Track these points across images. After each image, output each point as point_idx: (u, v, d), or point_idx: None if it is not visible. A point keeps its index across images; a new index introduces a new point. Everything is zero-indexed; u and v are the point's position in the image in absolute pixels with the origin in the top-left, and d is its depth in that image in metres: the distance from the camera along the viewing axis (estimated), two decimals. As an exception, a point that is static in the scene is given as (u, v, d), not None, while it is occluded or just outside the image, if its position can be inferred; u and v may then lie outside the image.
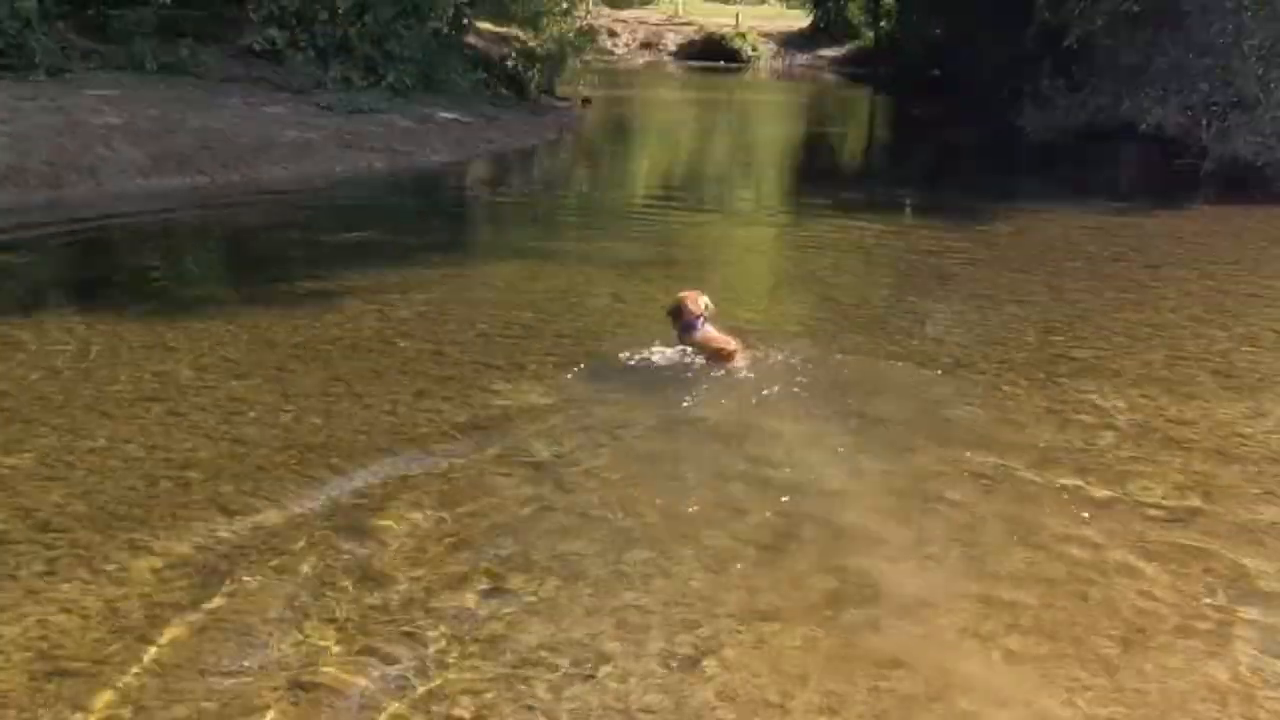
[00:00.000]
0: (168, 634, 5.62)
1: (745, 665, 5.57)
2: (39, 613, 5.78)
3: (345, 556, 6.42)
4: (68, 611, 5.79)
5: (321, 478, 7.41)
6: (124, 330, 10.15)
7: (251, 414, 8.47)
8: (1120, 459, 8.32)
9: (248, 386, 8.97)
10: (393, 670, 5.38)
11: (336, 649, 5.56)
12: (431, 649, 5.55)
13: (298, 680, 5.31)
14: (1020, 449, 8.43)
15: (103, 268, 13.52)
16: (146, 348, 9.70)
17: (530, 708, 5.12)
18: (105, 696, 5.12)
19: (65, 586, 6.02)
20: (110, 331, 10.07)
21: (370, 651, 5.53)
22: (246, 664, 5.42)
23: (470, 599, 6.06)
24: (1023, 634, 5.99)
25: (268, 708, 5.07)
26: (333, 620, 5.81)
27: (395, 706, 5.10)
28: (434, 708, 5.09)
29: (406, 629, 5.74)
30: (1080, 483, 7.89)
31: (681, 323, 9.80)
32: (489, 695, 5.20)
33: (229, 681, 5.29)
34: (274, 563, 6.32)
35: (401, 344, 10.15)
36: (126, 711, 5.03)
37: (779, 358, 10.23)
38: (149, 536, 6.57)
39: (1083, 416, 9.08)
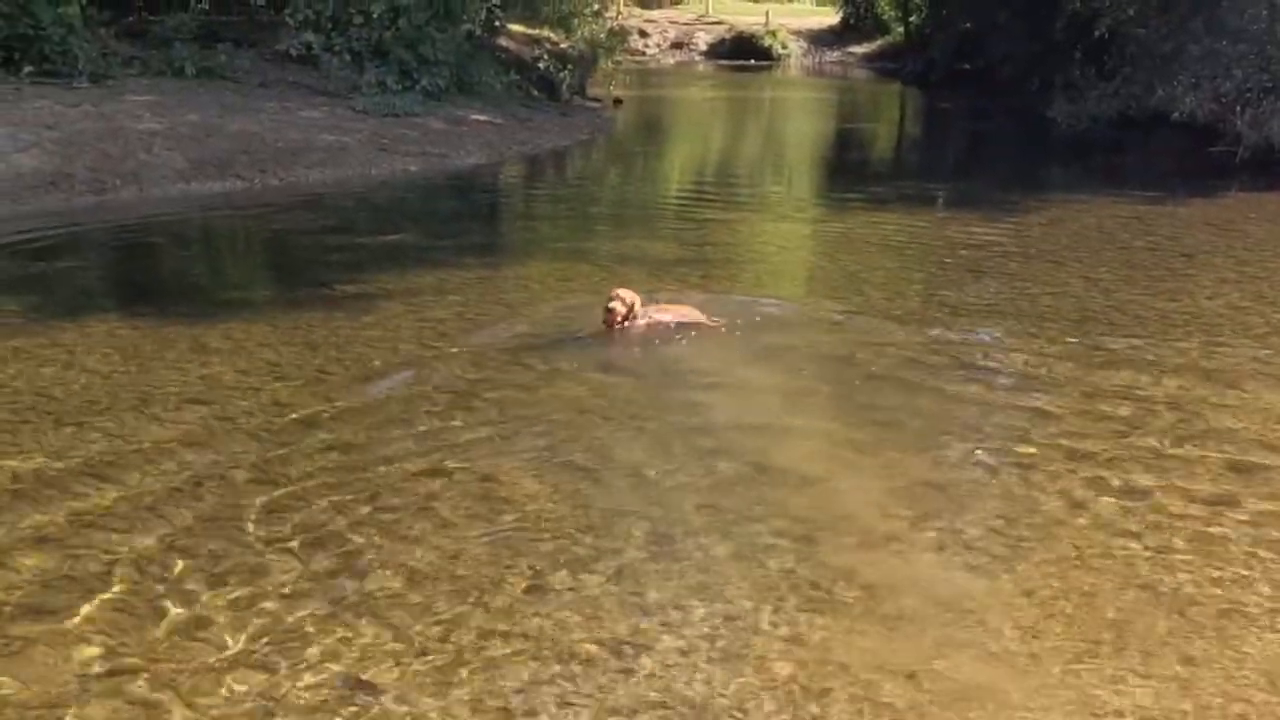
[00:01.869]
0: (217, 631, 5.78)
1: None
2: (94, 606, 5.94)
3: (398, 556, 6.58)
4: (115, 612, 5.92)
5: (357, 482, 7.57)
6: (167, 333, 10.23)
7: (293, 416, 8.57)
8: (1160, 447, 8.33)
9: (290, 389, 9.06)
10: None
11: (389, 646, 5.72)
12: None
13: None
14: (1057, 439, 8.46)
15: (146, 271, 13.63)
16: (190, 350, 9.78)
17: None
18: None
19: (118, 587, 6.15)
20: (154, 334, 10.15)
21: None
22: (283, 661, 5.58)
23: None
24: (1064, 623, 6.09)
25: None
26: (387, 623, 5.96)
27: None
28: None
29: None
30: (1119, 472, 7.93)
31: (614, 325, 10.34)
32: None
33: (262, 676, 5.44)
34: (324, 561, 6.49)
35: (439, 344, 10.21)
36: None
37: (808, 351, 10.41)
38: (194, 540, 6.69)
39: (1120, 409, 9.08)
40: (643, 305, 10.54)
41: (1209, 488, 7.67)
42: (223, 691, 5.35)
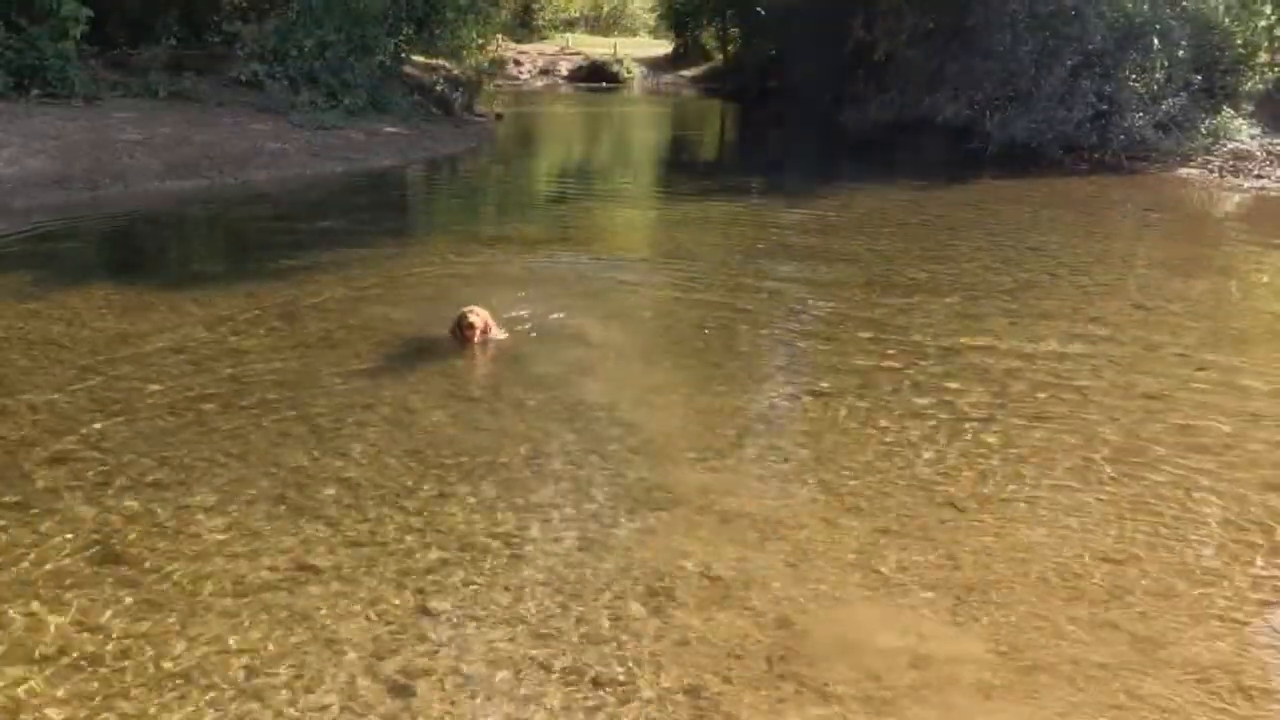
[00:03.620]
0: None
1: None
2: (97, 508, 5.99)
3: (333, 467, 6.67)
4: (113, 513, 5.98)
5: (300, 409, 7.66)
6: (150, 298, 10.09)
7: (250, 361, 8.54)
8: (931, 380, 8.52)
9: (247, 340, 9.03)
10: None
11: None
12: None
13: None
14: (849, 374, 8.60)
15: (132, 250, 13.38)
16: (169, 311, 9.67)
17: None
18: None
19: (114, 494, 6.22)
20: (140, 299, 10.01)
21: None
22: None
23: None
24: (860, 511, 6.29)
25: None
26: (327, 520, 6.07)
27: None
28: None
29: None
30: (901, 396, 8.14)
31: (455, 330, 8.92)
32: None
33: (229, 563, 5.56)
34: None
35: (365, 307, 10.18)
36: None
37: (651, 309, 10.59)
38: (178, 452, 6.77)
39: (900, 350, 9.21)
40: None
41: (970, 410, 7.86)
42: (198, 568, 5.46)
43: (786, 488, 6.60)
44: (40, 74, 19.02)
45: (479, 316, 8.90)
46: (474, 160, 22.80)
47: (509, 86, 43.86)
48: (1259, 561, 5.90)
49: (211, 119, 19.84)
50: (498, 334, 9.07)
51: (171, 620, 5.01)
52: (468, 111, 28.48)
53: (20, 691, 4.51)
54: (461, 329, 8.85)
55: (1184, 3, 23.53)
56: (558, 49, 61.75)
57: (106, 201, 15.14)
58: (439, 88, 28.21)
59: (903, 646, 5.02)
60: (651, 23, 69.09)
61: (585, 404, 7.85)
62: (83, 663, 4.70)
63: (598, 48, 60.30)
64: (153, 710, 4.42)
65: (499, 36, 35.88)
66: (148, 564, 5.48)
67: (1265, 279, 13.16)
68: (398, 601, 5.22)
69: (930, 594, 5.46)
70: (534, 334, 9.36)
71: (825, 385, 8.38)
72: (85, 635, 4.89)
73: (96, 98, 19.56)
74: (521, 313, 9.83)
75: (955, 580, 5.60)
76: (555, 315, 9.90)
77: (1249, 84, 24.03)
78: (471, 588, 5.37)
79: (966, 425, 7.59)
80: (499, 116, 30.77)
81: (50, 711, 4.41)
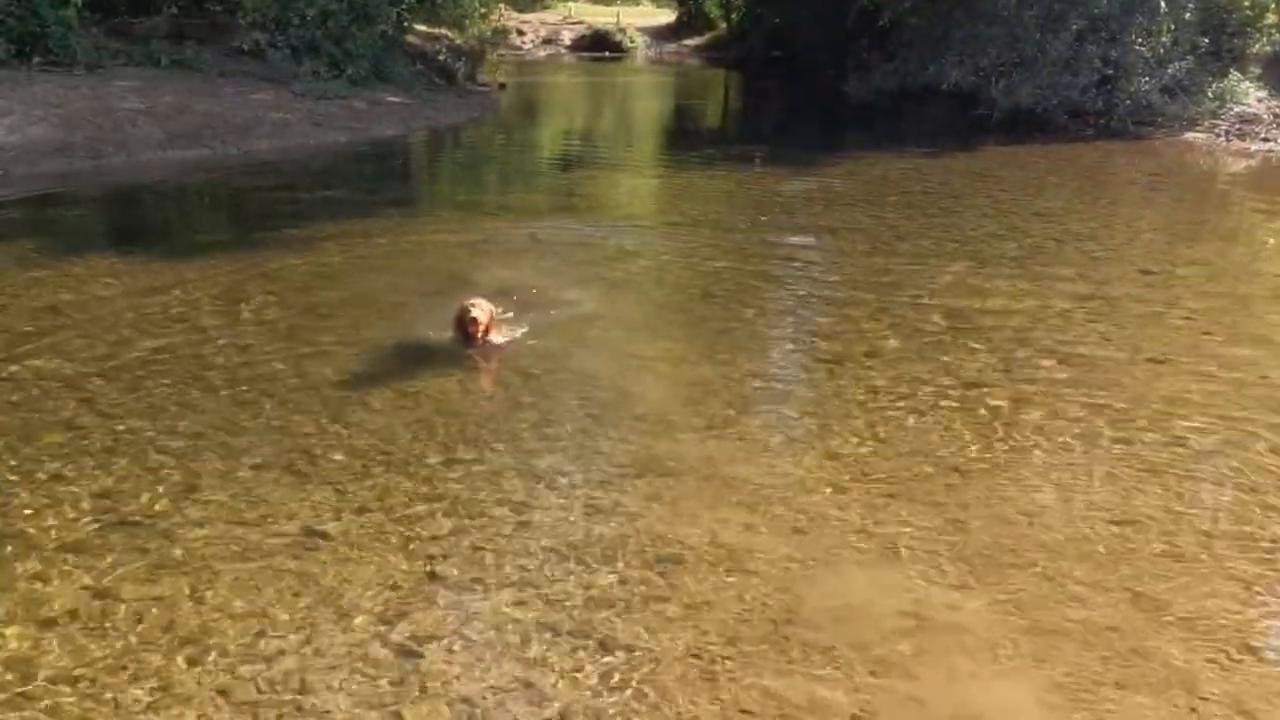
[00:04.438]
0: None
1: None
2: (106, 474, 6.01)
3: (340, 434, 6.68)
4: (122, 478, 6.00)
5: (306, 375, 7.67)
6: (154, 267, 10.09)
7: (251, 327, 8.57)
8: (937, 344, 8.54)
9: (252, 309, 9.02)
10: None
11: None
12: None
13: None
14: (855, 342, 8.61)
15: (135, 219, 13.37)
16: (172, 280, 9.64)
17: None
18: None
19: (123, 460, 6.23)
20: (143, 268, 10.01)
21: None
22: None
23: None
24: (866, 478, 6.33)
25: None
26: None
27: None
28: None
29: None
30: (907, 363, 8.13)
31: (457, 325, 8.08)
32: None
33: (238, 529, 5.60)
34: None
35: (370, 277, 10.14)
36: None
37: (657, 278, 10.61)
38: (185, 420, 6.79)
39: (905, 315, 9.24)
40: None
41: (976, 376, 7.87)
42: (208, 534, 5.49)
43: (792, 454, 6.61)
44: (42, 42, 18.95)
45: (483, 310, 8.01)
46: (477, 130, 22.74)
47: (511, 56, 43.73)
48: (1265, 522, 5.92)
49: (213, 88, 19.78)
50: (497, 338, 8.18)
51: (182, 585, 5.04)
52: (470, 81, 28.40)
53: (33, 652, 4.55)
54: (464, 324, 7.99)
55: (1191, -35, 23.43)
56: (560, 18, 61.53)
57: (109, 170, 15.13)
58: (442, 57, 28.12)
59: (909, 610, 5.04)
60: (654, -8, 68.94)
61: (591, 373, 7.85)
62: (94, 626, 4.73)
63: (600, 17, 60.07)
64: (164, 672, 4.45)
65: (501, 6, 35.76)
66: (157, 530, 5.51)
67: (1271, 242, 13.17)
68: (406, 568, 5.24)
69: (937, 558, 5.49)
70: (538, 304, 9.30)
71: (831, 352, 8.39)
72: (96, 599, 4.92)
73: (98, 66, 19.48)
74: (526, 282, 9.80)
75: (961, 544, 5.62)
76: (559, 285, 9.88)
77: (1256, 46, 23.95)
78: (479, 554, 5.39)
79: (972, 391, 7.60)
80: (502, 86, 30.69)
81: (63, 672, 4.44)
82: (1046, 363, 8.24)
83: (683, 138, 24.96)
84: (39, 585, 5.02)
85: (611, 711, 4.32)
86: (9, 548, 5.30)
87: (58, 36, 19.11)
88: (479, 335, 7.97)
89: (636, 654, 4.65)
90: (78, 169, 14.91)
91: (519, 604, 4.98)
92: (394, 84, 23.56)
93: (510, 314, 8.70)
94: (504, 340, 8.24)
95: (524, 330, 8.49)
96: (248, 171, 16.14)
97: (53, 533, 5.45)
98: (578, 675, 4.51)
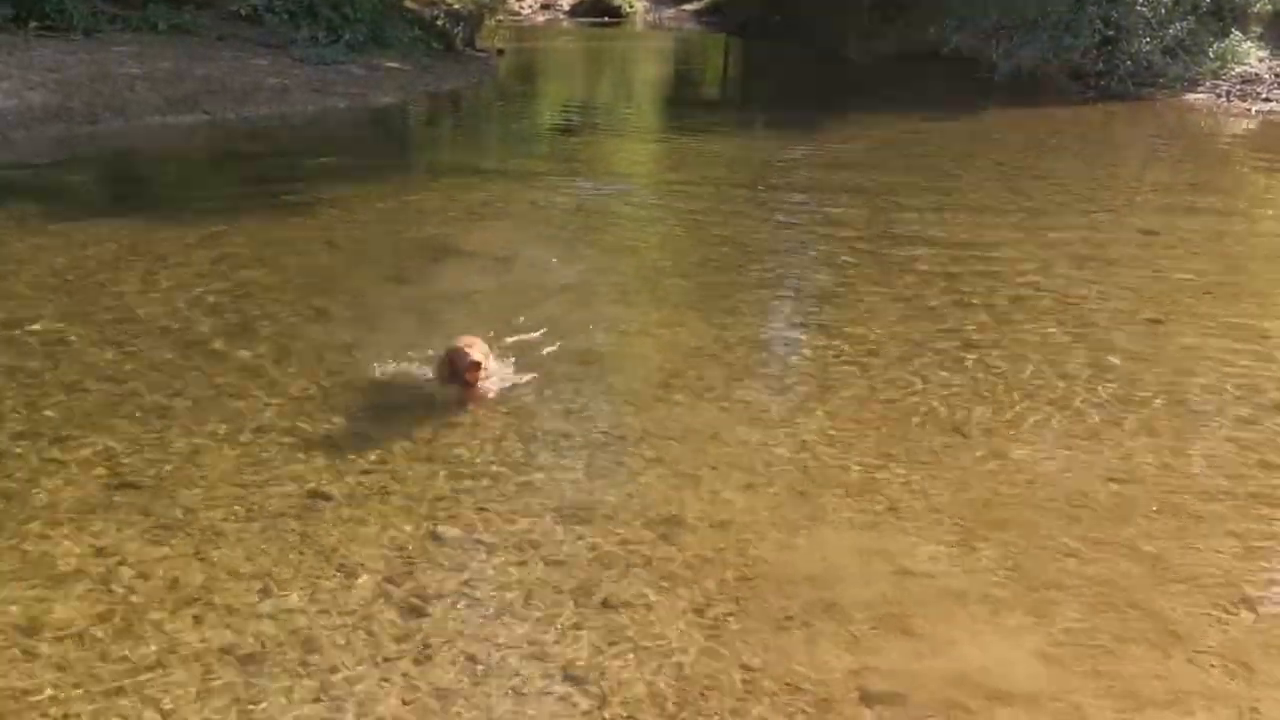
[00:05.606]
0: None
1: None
2: (109, 437, 6.02)
3: (339, 395, 6.72)
4: (125, 441, 6.01)
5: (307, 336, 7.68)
6: (153, 231, 10.06)
7: (253, 290, 8.60)
8: (938, 305, 8.59)
9: (252, 273, 9.03)
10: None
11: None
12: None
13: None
14: (855, 303, 8.65)
15: (135, 185, 13.37)
16: (170, 245, 9.61)
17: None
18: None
19: (125, 423, 6.26)
20: (143, 232, 9.99)
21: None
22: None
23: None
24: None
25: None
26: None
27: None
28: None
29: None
30: (906, 324, 8.16)
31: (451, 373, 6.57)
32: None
33: (238, 489, 5.64)
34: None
35: (370, 242, 10.22)
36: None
37: (657, 241, 10.65)
38: (187, 383, 6.81)
39: (905, 278, 9.28)
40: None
41: (977, 337, 7.91)
42: (211, 496, 5.52)
43: (791, 416, 6.65)
44: (39, 6, 18.87)
45: (480, 350, 6.57)
46: (476, 95, 22.66)
47: (510, 21, 43.43)
48: (1263, 479, 5.97)
49: (212, 53, 19.70)
50: (495, 379, 6.80)
51: (186, 545, 5.08)
52: (469, 47, 28.24)
53: (38, 610, 4.58)
54: (462, 370, 6.52)
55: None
56: (559, -18, 61.21)
57: (106, 135, 15.09)
58: (440, 22, 27.97)
59: (911, 568, 5.09)
60: (654, -44, 68.54)
61: (591, 337, 7.86)
62: (99, 586, 4.76)
63: (599, -19, 59.76)
64: (170, 630, 4.48)
65: (499, -30, 35.62)
66: (161, 491, 5.54)
67: (1273, 201, 13.15)
68: (409, 528, 5.27)
69: (938, 517, 5.53)
70: (538, 269, 9.30)
71: (830, 316, 8.42)
72: (100, 560, 4.95)
73: (95, 31, 19.40)
74: (525, 249, 9.80)
75: (962, 502, 5.66)
76: (559, 249, 9.88)
77: (1258, 5, 23.81)
78: (482, 514, 5.42)
79: (972, 352, 7.63)
80: (500, 52, 30.53)
81: (68, 630, 4.47)
82: (1047, 322, 8.27)
83: (684, 103, 24.82)
84: (45, 546, 5.04)
85: (615, 668, 4.35)
86: (14, 508, 5.33)
87: (55, 1, 19.05)
88: (478, 381, 6.57)
89: (641, 612, 4.68)
90: (75, 134, 14.88)
91: (521, 564, 5.02)
92: (393, 50, 23.44)
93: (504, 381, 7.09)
94: (496, 384, 6.83)
95: (521, 373, 7.07)
96: (247, 138, 16.11)
97: (57, 494, 5.47)
98: (580, 633, 4.54)
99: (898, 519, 5.50)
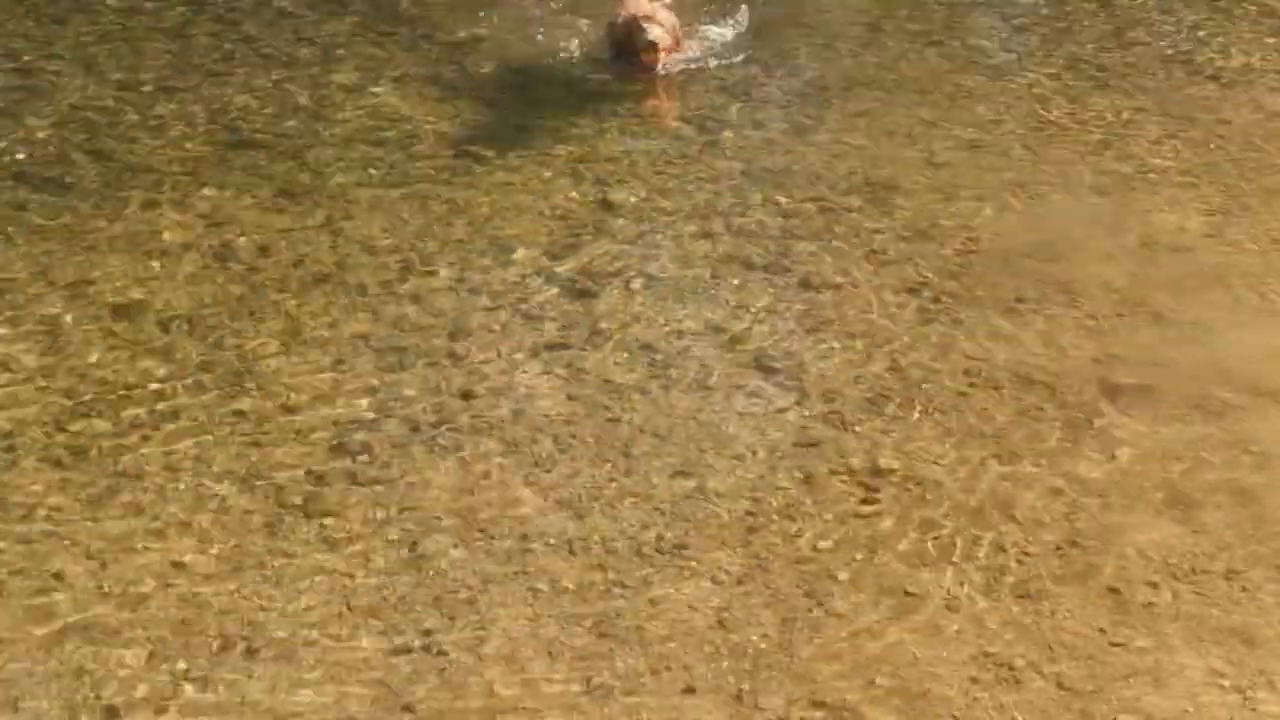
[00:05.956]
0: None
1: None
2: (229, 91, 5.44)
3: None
4: (251, 95, 5.42)
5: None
6: None
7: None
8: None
9: None
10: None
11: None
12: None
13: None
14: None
15: None
16: None
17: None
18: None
19: (241, 75, 5.66)
20: None
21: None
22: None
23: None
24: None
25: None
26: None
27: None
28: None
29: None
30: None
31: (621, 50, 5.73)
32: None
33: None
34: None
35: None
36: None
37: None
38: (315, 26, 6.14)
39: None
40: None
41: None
42: (344, 158, 5.03)
43: (1021, 67, 5.91)
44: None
45: (661, 27, 5.64)
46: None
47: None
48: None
49: None
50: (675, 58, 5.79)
51: (313, 213, 4.68)
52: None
53: (141, 293, 4.25)
54: (636, 47, 5.61)
55: None
56: None
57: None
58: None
59: (1160, 240, 4.56)
60: None
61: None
62: (213, 262, 4.39)
63: None
64: (295, 312, 4.21)
65: None
66: (283, 150, 5.13)
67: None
68: (575, 194, 4.87)
69: (1192, 180, 4.89)
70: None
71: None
72: (213, 231, 4.56)
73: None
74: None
75: (1222, 162, 4.99)
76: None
77: None
78: (660, 178, 4.91)
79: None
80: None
81: (177, 314, 4.13)
82: None
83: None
84: (148, 210, 4.67)
85: (812, 354, 3.98)
86: (112, 172, 4.93)
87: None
88: (655, 62, 5.64)
89: (843, 292, 4.23)
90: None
91: (706, 236, 4.60)
92: None
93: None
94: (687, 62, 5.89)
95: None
96: None
97: (163, 152, 5.05)
98: (775, 318, 4.13)
99: (1146, 183, 4.85)
